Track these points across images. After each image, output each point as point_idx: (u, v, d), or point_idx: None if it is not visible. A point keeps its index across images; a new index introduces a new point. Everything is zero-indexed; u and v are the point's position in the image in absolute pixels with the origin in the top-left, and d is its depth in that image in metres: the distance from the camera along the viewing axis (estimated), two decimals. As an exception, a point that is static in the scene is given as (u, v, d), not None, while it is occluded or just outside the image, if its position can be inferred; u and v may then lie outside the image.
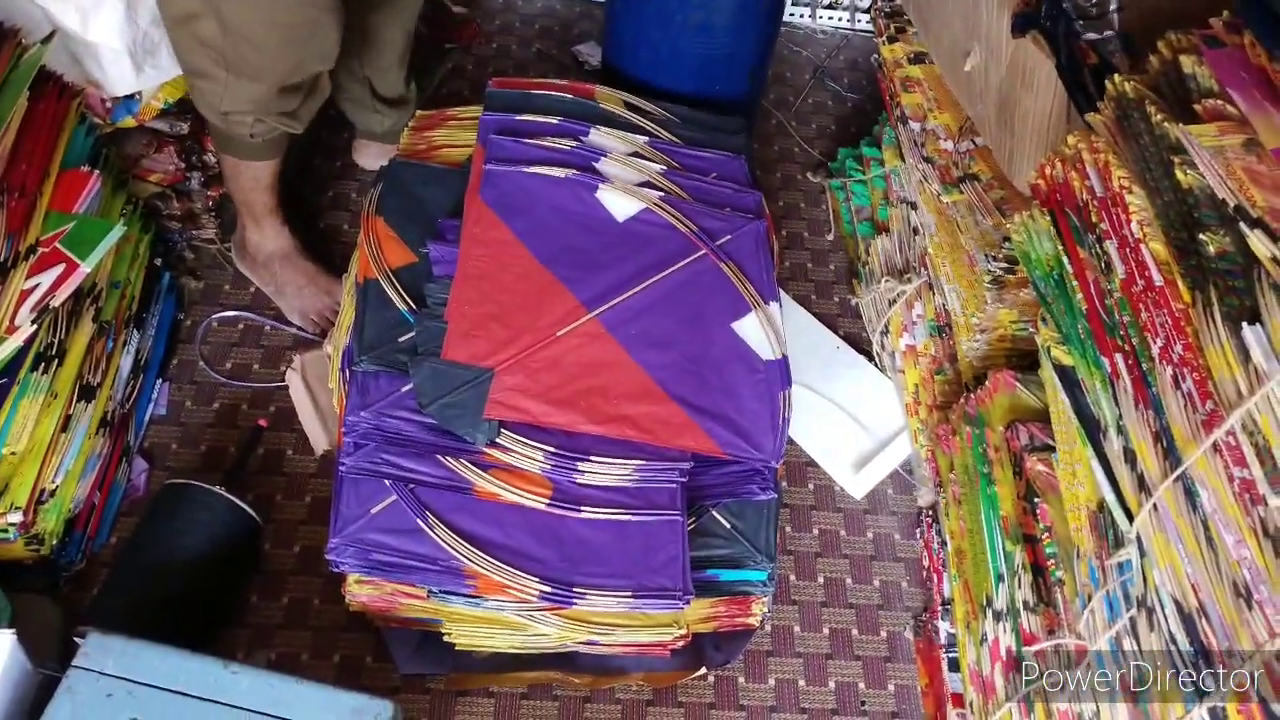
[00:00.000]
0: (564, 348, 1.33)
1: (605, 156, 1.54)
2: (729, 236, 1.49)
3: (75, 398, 1.41)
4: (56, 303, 1.30)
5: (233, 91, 1.48)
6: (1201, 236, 0.87)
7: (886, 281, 1.81)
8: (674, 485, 1.31)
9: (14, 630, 1.13)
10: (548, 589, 1.24)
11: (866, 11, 2.48)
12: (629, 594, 1.25)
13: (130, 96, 1.57)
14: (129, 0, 1.43)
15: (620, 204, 1.48)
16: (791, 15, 2.49)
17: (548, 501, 1.28)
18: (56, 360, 1.37)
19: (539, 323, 1.35)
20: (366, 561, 1.27)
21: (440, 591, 1.28)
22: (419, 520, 1.26)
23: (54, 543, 1.41)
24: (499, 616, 1.31)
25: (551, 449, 1.29)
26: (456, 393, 1.28)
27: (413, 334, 1.35)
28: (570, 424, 1.29)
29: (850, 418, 1.81)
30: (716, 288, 1.44)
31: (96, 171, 1.44)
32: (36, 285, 1.29)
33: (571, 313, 1.36)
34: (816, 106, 2.36)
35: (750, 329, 1.40)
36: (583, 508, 1.28)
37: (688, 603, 1.26)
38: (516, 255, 1.41)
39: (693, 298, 1.42)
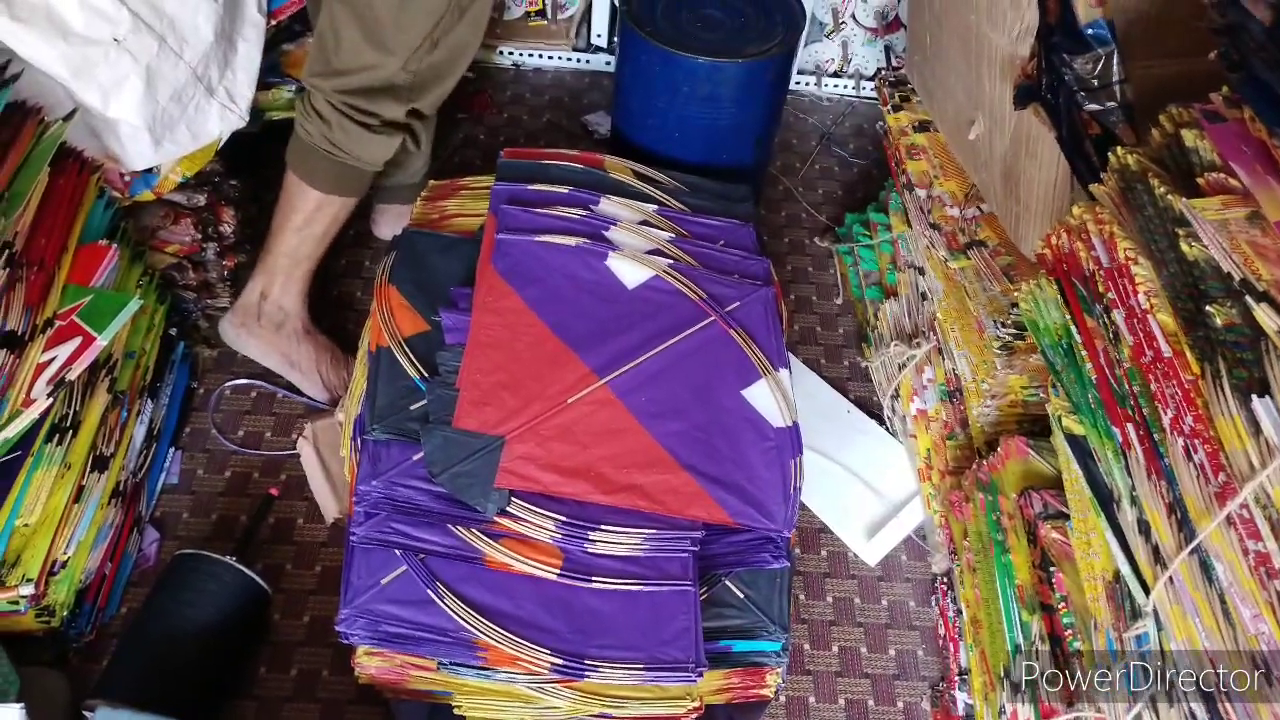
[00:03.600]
0: (575, 415, 1.34)
1: (615, 225, 1.56)
2: (738, 303, 1.50)
3: (89, 468, 1.42)
4: (73, 375, 1.31)
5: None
6: (1208, 308, 0.87)
7: (896, 346, 1.81)
8: (686, 555, 1.30)
9: (23, 704, 1.12)
10: (559, 661, 1.23)
11: (871, 80, 2.52)
12: (641, 667, 1.24)
13: (148, 170, 1.60)
14: (149, 78, 1.46)
15: (630, 271, 1.49)
16: (797, 84, 2.53)
17: (558, 571, 1.27)
18: (71, 431, 1.38)
19: (550, 390, 1.35)
20: (377, 633, 1.26)
21: (450, 663, 1.27)
22: (429, 590, 1.25)
23: (64, 614, 1.41)
24: (510, 689, 1.29)
25: (562, 518, 1.28)
26: (467, 461, 1.29)
27: (425, 402, 1.36)
28: (581, 494, 1.29)
29: (863, 483, 1.80)
30: (726, 355, 1.44)
31: (114, 245, 1.46)
32: (53, 358, 1.31)
33: (582, 380, 1.37)
34: (823, 172, 2.39)
35: (760, 396, 1.41)
36: (594, 578, 1.28)
37: (701, 675, 1.24)
38: (528, 323, 1.42)
39: (702, 365, 1.42)
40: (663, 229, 1.59)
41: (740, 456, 1.35)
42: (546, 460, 1.30)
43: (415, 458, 1.31)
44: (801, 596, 1.67)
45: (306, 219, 1.70)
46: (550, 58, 2.56)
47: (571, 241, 1.50)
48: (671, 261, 1.52)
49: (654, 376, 1.39)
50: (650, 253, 1.53)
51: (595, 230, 1.54)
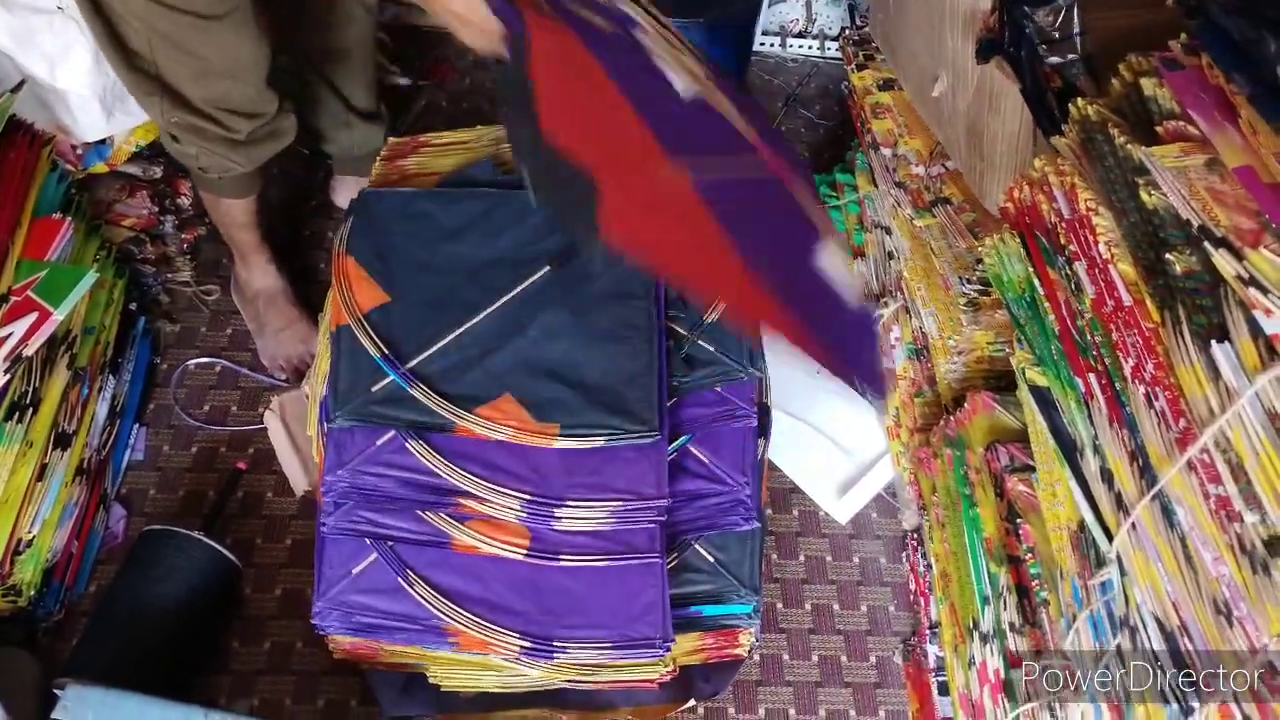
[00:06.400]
0: (655, 192, 1.05)
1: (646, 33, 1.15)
2: (787, 165, 1.23)
3: (51, 446, 1.40)
4: (30, 351, 1.29)
5: (165, 103, 1.41)
6: (1168, 256, 0.87)
7: (864, 306, 1.81)
8: (653, 526, 1.28)
9: (-10, 686, 1.11)
10: (528, 644, 1.22)
11: (835, 39, 2.50)
12: (609, 645, 1.23)
13: (101, 142, 1.57)
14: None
15: (677, 79, 1.12)
16: (761, 44, 2.51)
17: (525, 552, 1.26)
18: (31, 409, 1.36)
19: (629, 153, 1.04)
20: (351, 624, 1.26)
21: (423, 645, 1.27)
22: (399, 578, 1.24)
23: (32, 594, 1.39)
24: (483, 660, 1.29)
25: (527, 496, 1.26)
26: (569, 189, 1.01)
27: (386, 382, 1.28)
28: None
29: (832, 442, 1.81)
30: (792, 210, 1.19)
31: (68, 219, 1.43)
32: (9, 334, 1.28)
33: (656, 157, 1.05)
34: (789, 134, 2.38)
35: (833, 261, 1.18)
36: (561, 556, 1.26)
37: (668, 649, 1.24)
38: (589, 68, 1.05)
39: (776, 211, 1.17)
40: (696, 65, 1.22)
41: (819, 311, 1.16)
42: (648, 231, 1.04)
43: (379, 443, 1.27)
44: (774, 556, 1.68)
45: (208, 206, 1.69)
46: (512, 22, 2.52)
47: (606, 26, 1.12)
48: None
49: (733, 188, 1.11)
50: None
51: (628, 30, 1.16)
